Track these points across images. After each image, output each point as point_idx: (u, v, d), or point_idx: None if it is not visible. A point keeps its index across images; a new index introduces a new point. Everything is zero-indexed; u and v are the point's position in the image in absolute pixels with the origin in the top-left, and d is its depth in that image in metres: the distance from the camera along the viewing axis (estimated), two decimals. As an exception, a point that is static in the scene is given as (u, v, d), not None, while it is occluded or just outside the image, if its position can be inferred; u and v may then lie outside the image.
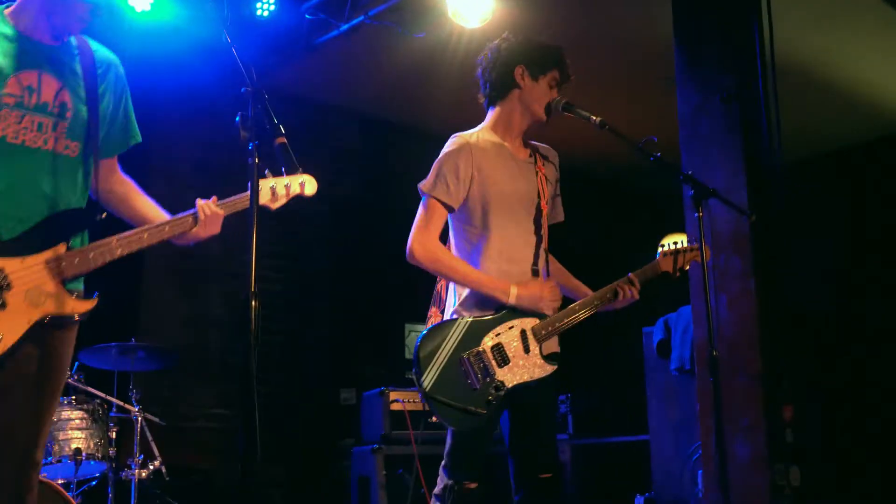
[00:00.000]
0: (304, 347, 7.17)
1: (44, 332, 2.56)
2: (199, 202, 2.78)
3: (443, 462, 3.36)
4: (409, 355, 8.17)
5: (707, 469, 4.51)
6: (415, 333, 8.53)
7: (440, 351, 3.25)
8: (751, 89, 4.62)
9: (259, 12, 6.27)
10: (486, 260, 3.35)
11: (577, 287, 3.58)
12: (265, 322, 2.71)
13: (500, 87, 3.48)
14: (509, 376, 3.28)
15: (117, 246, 2.66)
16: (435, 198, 3.31)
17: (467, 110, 3.71)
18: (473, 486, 3.30)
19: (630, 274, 3.44)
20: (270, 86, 2.88)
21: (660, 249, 3.52)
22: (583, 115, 3.40)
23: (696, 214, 3.45)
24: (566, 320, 3.35)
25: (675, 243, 3.51)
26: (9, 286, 2.51)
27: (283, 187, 2.88)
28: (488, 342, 3.28)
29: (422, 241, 3.31)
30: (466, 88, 3.68)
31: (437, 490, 3.35)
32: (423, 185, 3.35)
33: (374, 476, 5.35)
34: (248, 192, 2.60)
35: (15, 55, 2.67)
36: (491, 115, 3.52)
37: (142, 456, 4.90)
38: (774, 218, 4.53)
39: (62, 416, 4.66)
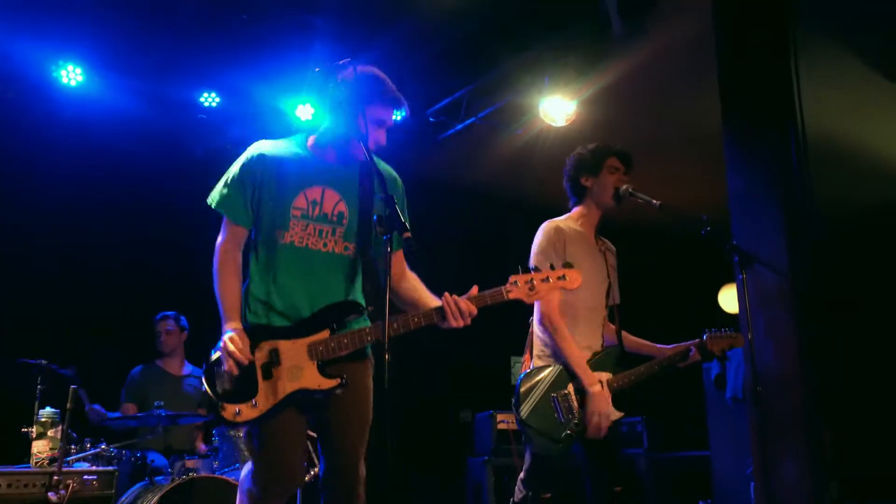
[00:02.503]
0: (430, 375, 7.21)
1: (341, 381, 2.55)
2: (446, 296, 2.60)
3: (521, 476, 3.38)
4: (513, 382, 8.11)
5: (757, 484, 4.35)
6: (518, 364, 8.52)
7: (536, 388, 3.30)
8: (789, 172, 4.50)
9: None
10: (570, 327, 3.37)
11: (640, 346, 3.59)
12: (406, 350, 2.72)
13: (576, 194, 3.57)
14: None
15: (368, 333, 2.58)
16: None
17: (554, 188, 3.79)
18: (548, 496, 3.32)
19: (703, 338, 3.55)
20: (406, 172, 2.93)
21: (706, 334, 3.54)
22: (645, 199, 3.45)
23: (740, 276, 3.48)
24: (633, 378, 3.39)
25: (723, 329, 3.52)
26: (278, 362, 2.53)
27: (541, 283, 2.67)
28: (573, 386, 3.30)
29: (550, 314, 3.34)
30: (554, 172, 3.75)
31: (516, 498, 3.37)
32: (535, 264, 3.39)
33: (485, 482, 5.34)
34: (500, 289, 2.60)
35: (305, 173, 2.69)
36: (575, 210, 3.59)
37: (304, 464, 4.92)
38: (812, 275, 4.37)
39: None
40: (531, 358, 3.56)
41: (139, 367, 5.46)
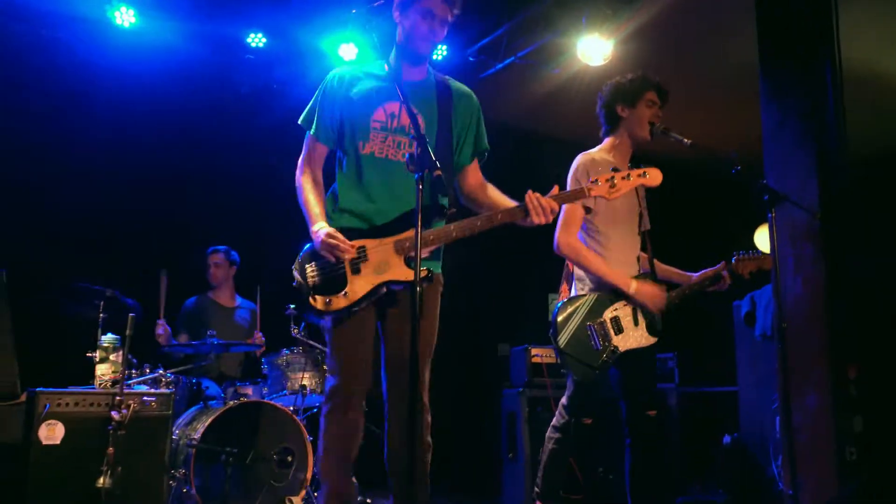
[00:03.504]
0: (474, 309, 7.31)
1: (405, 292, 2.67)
2: (529, 193, 2.68)
3: (563, 402, 3.48)
4: (549, 318, 8.18)
5: (782, 418, 4.41)
6: (556, 301, 8.53)
7: (572, 318, 3.38)
8: (823, 107, 4.43)
9: (434, 56, 6.45)
10: (605, 257, 3.43)
11: (671, 274, 3.63)
12: (453, 288, 2.85)
13: (609, 122, 3.57)
14: (622, 343, 3.38)
15: (453, 230, 2.70)
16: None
17: (589, 126, 3.81)
18: (589, 421, 3.43)
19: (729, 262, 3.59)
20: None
21: (734, 257, 3.56)
22: (677, 138, 3.46)
23: (770, 214, 3.48)
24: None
25: (752, 251, 3.55)
26: (366, 259, 2.68)
27: (622, 180, 2.71)
28: (608, 315, 3.39)
29: (567, 239, 3.41)
30: (591, 112, 3.77)
31: (557, 423, 3.47)
32: None
33: (519, 412, 5.47)
34: (581, 188, 2.69)
35: (384, 89, 2.83)
36: (606, 141, 3.62)
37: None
38: (842, 212, 4.34)
39: (292, 361, 4.80)
40: (569, 289, 3.64)
41: (192, 298, 5.67)
